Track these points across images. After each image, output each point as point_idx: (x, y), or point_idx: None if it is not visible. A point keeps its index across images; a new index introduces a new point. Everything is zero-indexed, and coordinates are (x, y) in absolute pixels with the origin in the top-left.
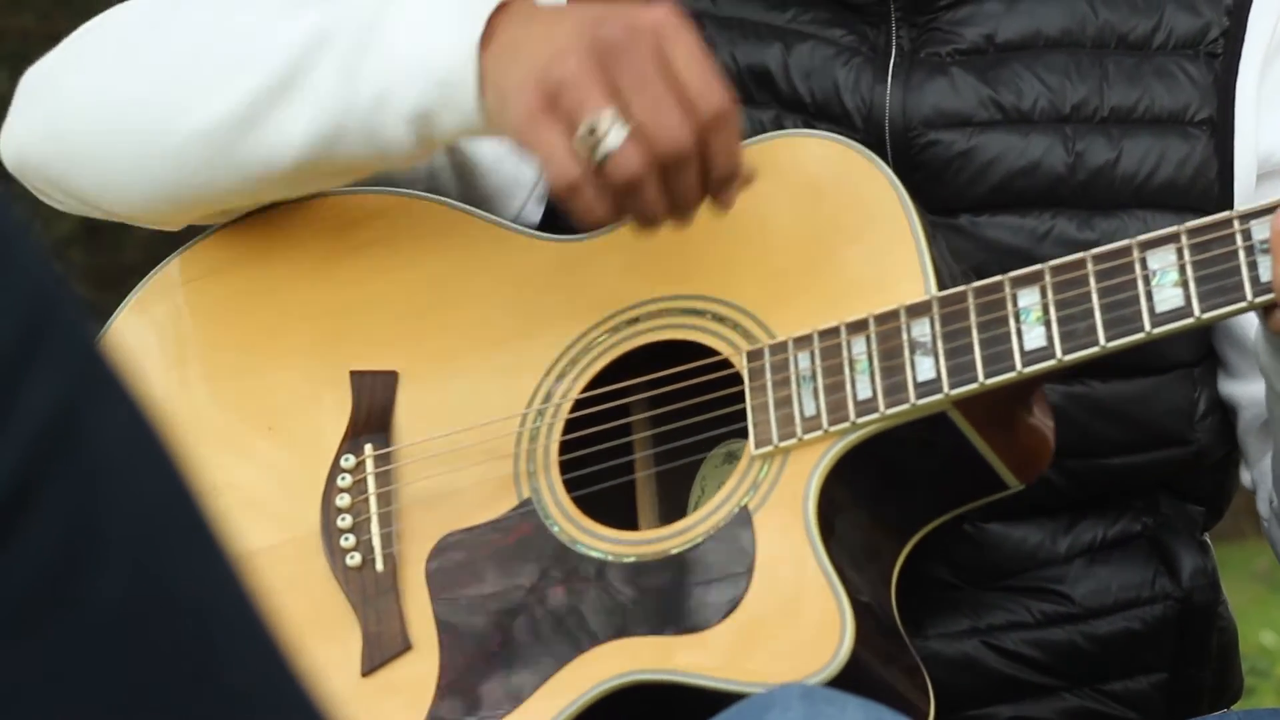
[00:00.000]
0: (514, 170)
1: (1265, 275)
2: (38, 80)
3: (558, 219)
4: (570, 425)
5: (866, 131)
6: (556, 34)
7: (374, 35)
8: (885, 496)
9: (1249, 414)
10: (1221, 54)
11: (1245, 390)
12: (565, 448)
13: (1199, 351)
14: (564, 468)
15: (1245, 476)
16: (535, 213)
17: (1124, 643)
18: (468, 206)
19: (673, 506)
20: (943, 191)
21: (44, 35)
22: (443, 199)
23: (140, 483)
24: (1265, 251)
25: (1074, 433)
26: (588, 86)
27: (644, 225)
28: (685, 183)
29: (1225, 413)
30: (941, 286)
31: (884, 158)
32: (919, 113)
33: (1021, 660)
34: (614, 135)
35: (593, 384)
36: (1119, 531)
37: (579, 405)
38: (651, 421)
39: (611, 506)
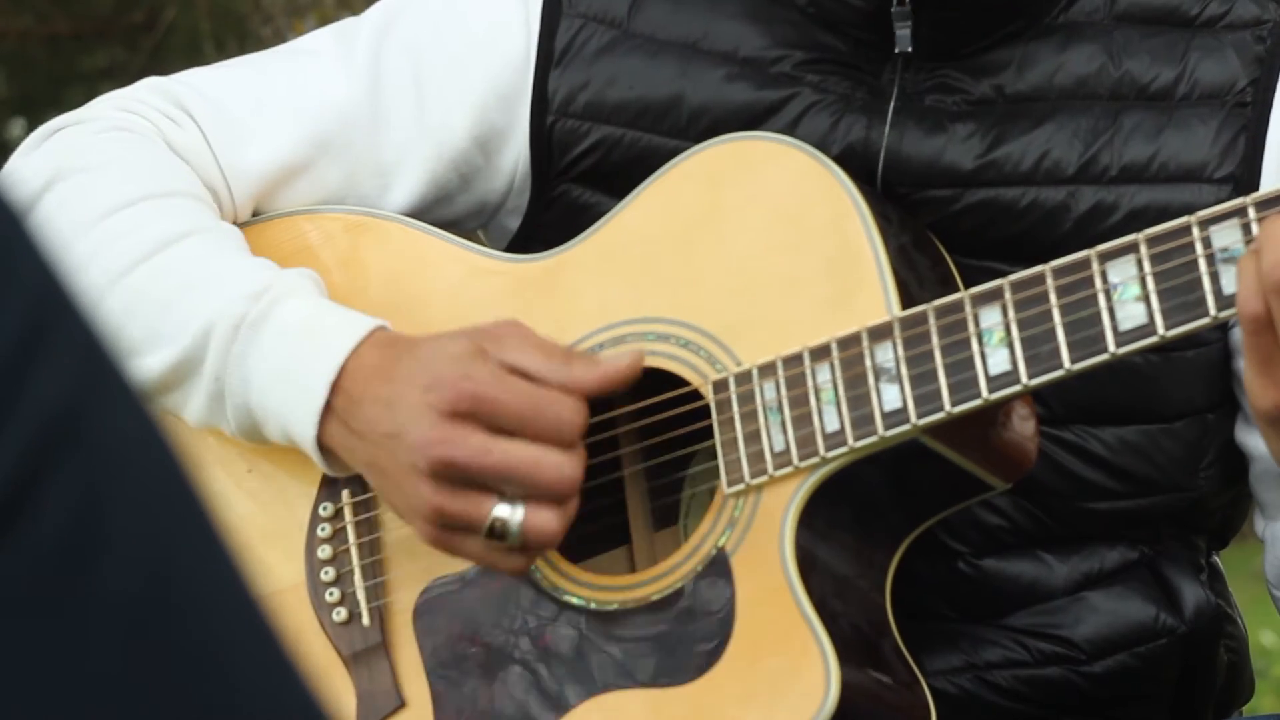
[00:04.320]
0: (481, 193)
1: (1229, 287)
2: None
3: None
4: None
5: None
6: (388, 451)
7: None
8: (868, 514)
9: (1260, 465)
10: (1251, 104)
11: (1260, 442)
12: None
13: (1215, 396)
14: None
15: (1259, 526)
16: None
17: (1122, 677)
18: (427, 226)
19: (664, 530)
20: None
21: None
22: (402, 218)
23: (144, 480)
24: (1227, 260)
25: (1061, 478)
26: (459, 510)
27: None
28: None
29: (1236, 457)
30: (905, 294)
31: None
32: (913, 167)
33: (1017, 697)
34: (514, 521)
35: None
36: (1118, 560)
37: None
38: (633, 453)
39: (603, 530)
